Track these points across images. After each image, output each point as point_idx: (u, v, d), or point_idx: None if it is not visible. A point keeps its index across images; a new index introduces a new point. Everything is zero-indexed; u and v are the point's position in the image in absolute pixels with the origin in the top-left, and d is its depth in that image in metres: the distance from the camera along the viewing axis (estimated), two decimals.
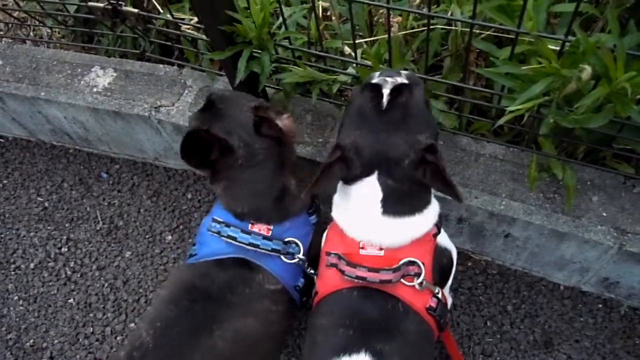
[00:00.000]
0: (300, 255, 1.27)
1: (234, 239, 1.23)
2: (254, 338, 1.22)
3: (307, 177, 1.38)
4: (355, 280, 1.09)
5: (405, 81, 1.12)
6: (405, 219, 1.11)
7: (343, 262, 1.11)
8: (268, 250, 1.23)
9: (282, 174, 1.28)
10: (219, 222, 1.26)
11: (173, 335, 1.13)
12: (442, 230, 1.21)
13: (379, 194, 1.09)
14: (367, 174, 1.09)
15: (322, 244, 1.25)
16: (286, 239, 1.26)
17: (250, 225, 1.25)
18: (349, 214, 1.16)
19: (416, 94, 1.10)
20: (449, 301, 1.28)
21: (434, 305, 1.11)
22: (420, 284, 1.09)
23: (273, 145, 1.27)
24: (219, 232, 1.24)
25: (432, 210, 1.16)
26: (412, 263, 1.10)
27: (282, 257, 1.25)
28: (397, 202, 1.10)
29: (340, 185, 1.20)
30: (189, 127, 1.34)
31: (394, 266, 1.08)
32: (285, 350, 1.64)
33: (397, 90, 1.10)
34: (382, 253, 1.11)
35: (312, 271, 1.29)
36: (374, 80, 1.13)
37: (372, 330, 1.07)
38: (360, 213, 1.13)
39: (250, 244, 1.22)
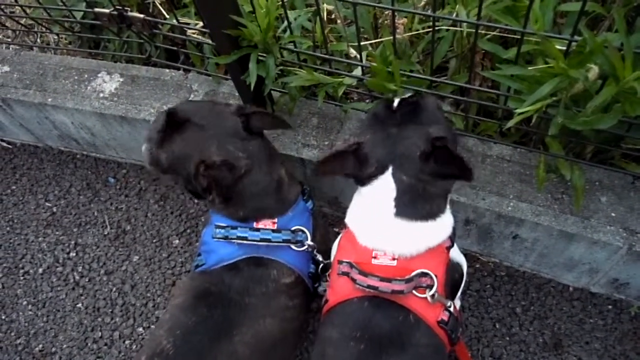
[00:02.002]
0: (309, 242, 1.28)
1: (245, 238, 1.23)
2: (273, 338, 1.22)
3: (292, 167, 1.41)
4: (367, 290, 1.08)
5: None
6: (419, 224, 1.10)
7: (355, 270, 1.10)
8: (280, 242, 1.24)
9: (275, 165, 1.30)
10: (223, 227, 1.26)
11: (194, 343, 1.14)
12: (454, 244, 1.20)
13: (392, 192, 1.09)
14: (382, 170, 1.10)
15: (334, 252, 1.25)
16: (293, 228, 1.27)
17: (255, 223, 1.26)
18: (362, 218, 1.16)
19: (427, 98, 1.16)
20: (457, 304, 1.27)
21: (445, 318, 1.09)
22: (432, 296, 1.07)
23: (261, 141, 1.29)
24: (226, 237, 1.24)
25: (447, 220, 1.15)
26: (425, 274, 1.08)
27: (293, 246, 1.26)
28: (411, 203, 1.09)
29: (356, 190, 1.21)
30: (153, 155, 1.29)
31: (406, 277, 1.07)
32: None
33: (407, 97, 1.18)
34: (394, 263, 1.09)
35: (320, 257, 1.30)
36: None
37: (384, 344, 1.05)
38: (373, 216, 1.13)
39: (262, 240, 1.23)
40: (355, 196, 1.21)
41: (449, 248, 1.15)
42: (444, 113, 1.23)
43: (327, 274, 1.32)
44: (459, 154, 1.02)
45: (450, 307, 1.10)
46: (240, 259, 1.24)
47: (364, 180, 1.14)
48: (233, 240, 1.24)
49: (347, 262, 1.13)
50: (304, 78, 1.40)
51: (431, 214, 1.11)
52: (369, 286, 1.07)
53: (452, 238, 1.17)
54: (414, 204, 1.10)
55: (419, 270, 1.08)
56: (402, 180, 1.09)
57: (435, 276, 1.09)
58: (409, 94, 1.22)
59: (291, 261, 1.26)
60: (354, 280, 1.09)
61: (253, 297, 1.21)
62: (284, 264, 1.24)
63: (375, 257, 1.11)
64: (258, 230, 1.24)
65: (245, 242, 1.23)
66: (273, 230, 1.25)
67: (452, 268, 1.16)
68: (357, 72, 1.40)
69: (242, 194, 1.25)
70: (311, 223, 1.33)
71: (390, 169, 1.10)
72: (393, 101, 1.18)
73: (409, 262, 1.10)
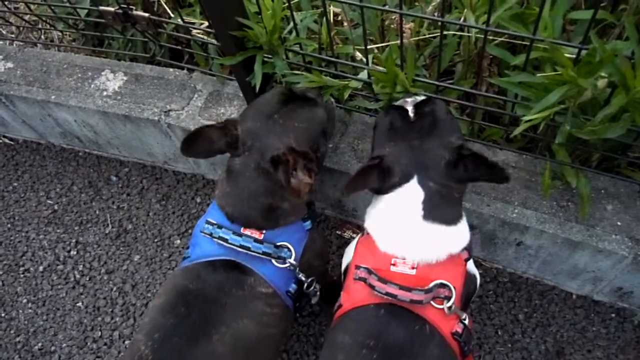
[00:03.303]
0: (292, 260, 1.25)
1: (225, 240, 1.22)
2: (252, 341, 1.20)
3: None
4: (385, 297, 1.07)
5: (424, 97, 1.22)
6: (444, 228, 1.11)
7: (374, 277, 1.09)
8: (259, 253, 1.22)
9: (275, 195, 1.24)
10: (212, 224, 1.25)
11: (172, 345, 1.12)
12: (471, 257, 1.19)
13: (420, 196, 1.10)
14: (407, 179, 1.11)
15: (350, 255, 1.24)
16: (278, 243, 1.25)
17: (242, 228, 1.24)
18: (385, 223, 1.15)
19: (438, 104, 1.19)
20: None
21: (459, 330, 1.08)
22: (450, 308, 1.06)
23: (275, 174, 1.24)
24: (210, 234, 1.24)
25: (465, 227, 1.16)
26: (444, 286, 1.08)
27: (274, 261, 1.24)
28: (439, 206, 1.10)
29: (375, 196, 1.21)
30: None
31: (425, 287, 1.06)
32: (294, 357, 1.63)
33: (420, 104, 1.20)
34: (413, 272, 1.08)
35: (303, 277, 1.28)
36: (396, 104, 1.22)
37: (397, 355, 1.04)
38: (399, 219, 1.12)
39: (241, 246, 1.21)
40: (376, 202, 1.20)
41: (466, 260, 1.15)
42: (453, 116, 1.25)
43: (312, 288, 1.30)
44: (491, 160, 1.05)
45: (465, 320, 1.10)
46: (219, 259, 1.23)
47: (386, 190, 1.14)
48: (215, 240, 1.23)
49: (365, 267, 1.12)
50: (310, 80, 1.39)
51: (454, 219, 1.13)
52: (387, 294, 1.06)
53: (470, 250, 1.17)
54: (441, 208, 1.11)
55: (438, 281, 1.07)
56: (429, 186, 1.10)
57: (454, 288, 1.08)
58: (420, 98, 1.23)
59: (268, 276, 1.23)
60: (372, 286, 1.08)
61: (230, 297, 1.19)
62: (260, 276, 1.23)
63: (394, 265, 1.10)
64: (241, 236, 1.22)
65: (225, 244, 1.22)
66: (256, 240, 1.22)
67: (469, 281, 1.15)
68: (363, 75, 1.39)
69: (231, 186, 1.26)
70: (303, 243, 1.30)
71: (415, 178, 1.11)
72: (407, 110, 1.19)
73: (428, 271, 1.09)
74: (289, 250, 1.26)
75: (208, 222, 1.26)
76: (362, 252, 1.19)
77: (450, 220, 1.12)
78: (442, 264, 1.09)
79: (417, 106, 1.20)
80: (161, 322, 1.16)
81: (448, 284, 1.08)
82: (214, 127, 1.25)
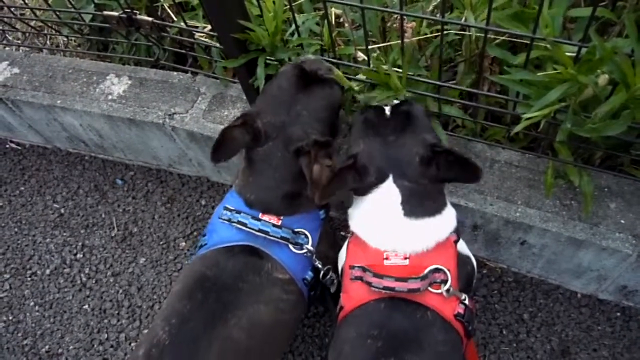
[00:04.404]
0: (309, 246, 1.26)
1: (244, 224, 1.23)
2: (267, 326, 1.21)
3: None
4: (383, 292, 1.08)
5: (403, 98, 1.25)
6: (428, 220, 1.12)
7: (369, 273, 1.10)
8: (277, 238, 1.23)
9: (299, 182, 1.25)
10: (230, 210, 1.27)
11: (189, 330, 1.13)
12: (460, 239, 1.21)
13: (397, 197, 1.11)
14: (382, 179, 1.13)
15: (344, 257, 1.24)
16: (295, 229, 1.27)
17: (260, 213, 1.25)
18: (370, 223, 1.16)
19: (415, 106, 1.21)
20: None
21: (461, 311, 1.09)
22: (447, 290, 1.08)
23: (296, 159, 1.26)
24: (229, 219, 1.25)
25: (450, 213, 1.18)
26: (438, 270, 1.09)
27: (291, 246, 1.25)
28: (417, 203, 1.12)
29: (355, 197, 1.21)
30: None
31: (420, 274, 1.08)
32: (299, 358, 1.63)
33: (397, 104, 1.23)
34: (406, 262, 1.10)
35: (320, 264, 1.29)
36: (375, 103, 1.26)
37: (402, 340, 1.05)
38: (382, 219, 1.14)
39: (260, 230, 1.22)
40: (357, 204, 1.21)
41: (456, 242, 1.17)
42: (431, 119, 1.28)
43: (329, 277, 1.31)
44: (462, 154, 1.06)
45: (465, 300, 1.11)
46: (237, 244, 1.23)
47: (365, 190, 1.16)
48: (234, 224, 1.24)
49: (359, 266, 1.13)
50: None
51: (437, 209, 1.14)
52: (384, 288, 1.07)
53: (458, 232, 1.18)
54: (421, 204, 1.12)
55: (432, 267, 1.09)
56: (404, 185, 1.11)
57: (449, 270, 1.10)
58: (398, 101, 1.26)
59: (285, 261, 1.24)
60: (369, 283, 1.09)
61: (247, 283, 1.20)
62: (278, 261, 1.24)
63: (386, 259, 1.11)
64: (259, 220, 1.24)
65: (244, 228, 1.23)
66: (274, 225, 1.24)
67: (462, 262, 1.16)
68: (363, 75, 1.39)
69: (254, 174, 1.27)
70: (318, 232, 1.31)
71: (390, 177, 1.12)
72: (383, 109, 1.22)
73: (420, 259, 1.10)
74: (306, 237, 1.27)
75: (226, 209, 1.28)
76: (354, 252, 1.20)
77: (433, 211, 1.13)
78: (433, 250, 1.11)
79: (395, 106, 1.23)
80: (178, 308, 1.17)
81: (442, 267, 1.09)
82: (235, 127, 1.23)
